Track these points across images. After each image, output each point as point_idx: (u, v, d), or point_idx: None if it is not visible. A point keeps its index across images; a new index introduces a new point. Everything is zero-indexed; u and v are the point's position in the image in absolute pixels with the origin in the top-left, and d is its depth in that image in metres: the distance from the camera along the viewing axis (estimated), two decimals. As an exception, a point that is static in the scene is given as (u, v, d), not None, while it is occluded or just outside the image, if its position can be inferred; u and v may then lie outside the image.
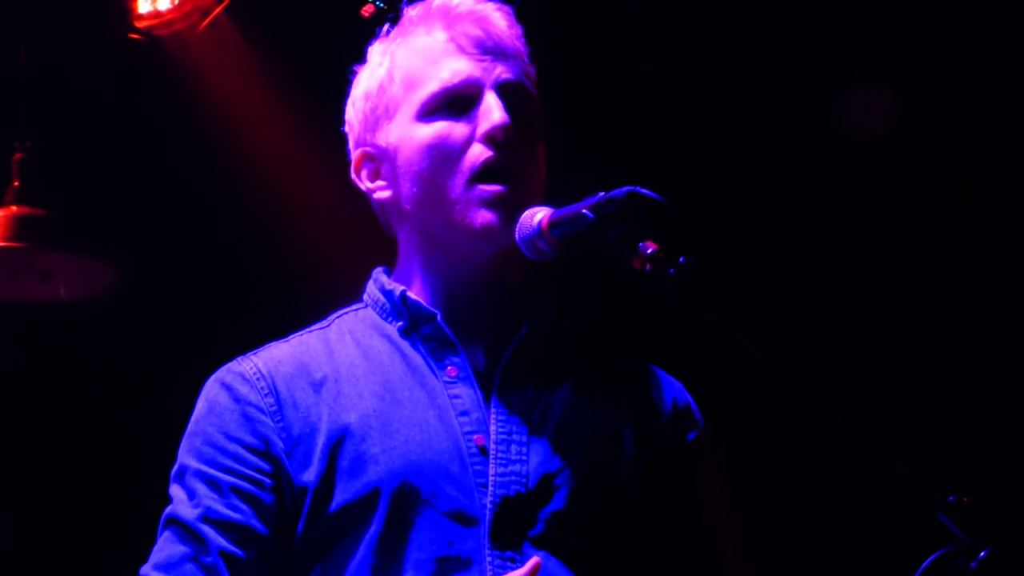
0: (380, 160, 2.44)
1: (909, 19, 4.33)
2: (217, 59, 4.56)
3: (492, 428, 2.33)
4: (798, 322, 4.39)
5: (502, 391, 2.36)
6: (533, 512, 2.29)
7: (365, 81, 2.46)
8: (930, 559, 2.00)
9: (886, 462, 2.03)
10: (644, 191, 2.18)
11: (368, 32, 2.51)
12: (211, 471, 2.35)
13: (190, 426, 2.42)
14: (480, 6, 2.42)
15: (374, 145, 2.44)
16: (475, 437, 2.32)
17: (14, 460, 5.10)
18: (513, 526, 2.28)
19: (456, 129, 2.36)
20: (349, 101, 2.50)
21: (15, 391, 5.08)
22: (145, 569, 2.35)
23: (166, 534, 2.36)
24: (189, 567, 2.30)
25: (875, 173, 4.51)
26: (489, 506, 2.28)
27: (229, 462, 2.34)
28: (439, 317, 2.38)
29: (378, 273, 2.49)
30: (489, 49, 2.39)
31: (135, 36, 4.55)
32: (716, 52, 4.49)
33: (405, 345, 2.41)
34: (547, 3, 2.54)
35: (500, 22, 2.41)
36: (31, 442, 5.12)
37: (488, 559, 2.26)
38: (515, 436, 2.33)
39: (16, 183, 4.54)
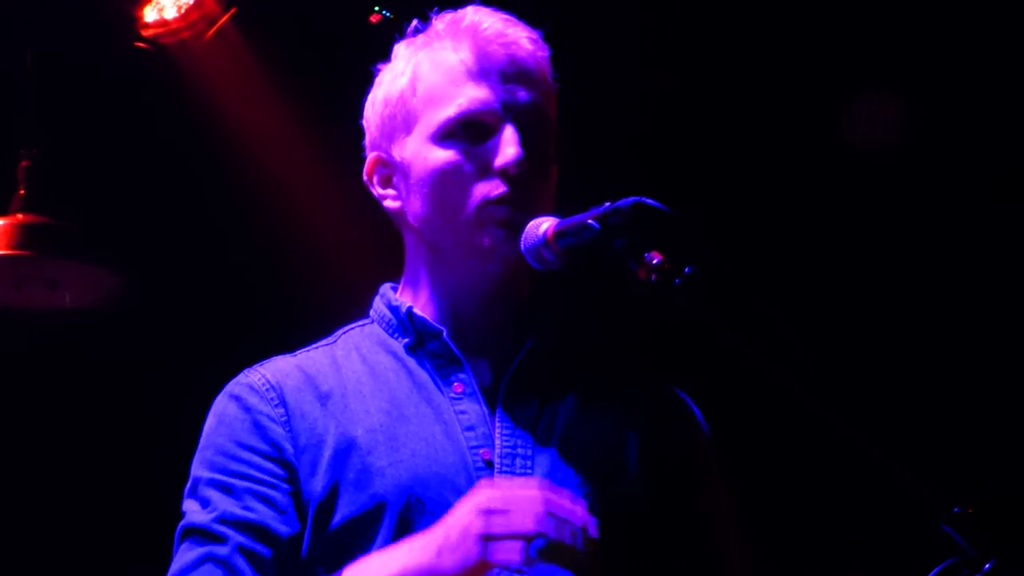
0: (392, 169, 2.43)
1: (915, 29, 4.33)
2: (223, 68, 4.56)
3: (497, 442, 2.33)
4: (803, 331, 4.39)
5: (507, 405, 2.36)
6: None
7: (386, 84, 2.44)
8: (935, 571, 2.00)
9: (891, 473, 2.03)
10: (650, 201, 2.18)
11: (374, 40, 2.50)
12: (224, 478, 2.33)
13: (201, 441, 2.41)
14: (509, 29, 2.39)
15: (388, 153, 2.43)
16: (481, 451, 2.32)
17: (18, 468, 5.10)
18: None
19: (471, 157, 2.35)
20: (369, 100, 2.48)
21: (19, 399, 5.08)
22: None
23: (183, 545, 2.34)
24: (206, 567, 2.28)
25: (881, 182, 4.51)
26: None
27: (243, 468, 2.33)
28: (445, 334, 2.38)
29: (385, 289, 2.49)
30: (511, 76, 2.37)
31: (141, 44, 4.55)
32: (723, 61, 4.50)
33: (411, 362, 2.41)
34: (555, 11, 2.53)
35: (526, 46, 2.39)
36: (35, 450, 5.13)
37: (496, 571, 2.23)
38: (520, 450, 2.34)
39: (22, 191, 4.54)
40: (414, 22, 2.45)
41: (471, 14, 2.40)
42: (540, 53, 2.41)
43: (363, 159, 2.49)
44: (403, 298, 2.45)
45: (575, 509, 2.10)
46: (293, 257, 4.80)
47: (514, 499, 2.09)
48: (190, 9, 4.51)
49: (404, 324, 2.42)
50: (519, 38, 2.39)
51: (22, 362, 5.05)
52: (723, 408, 2.68)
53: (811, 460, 4.29)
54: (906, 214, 4.50)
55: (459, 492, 2.26)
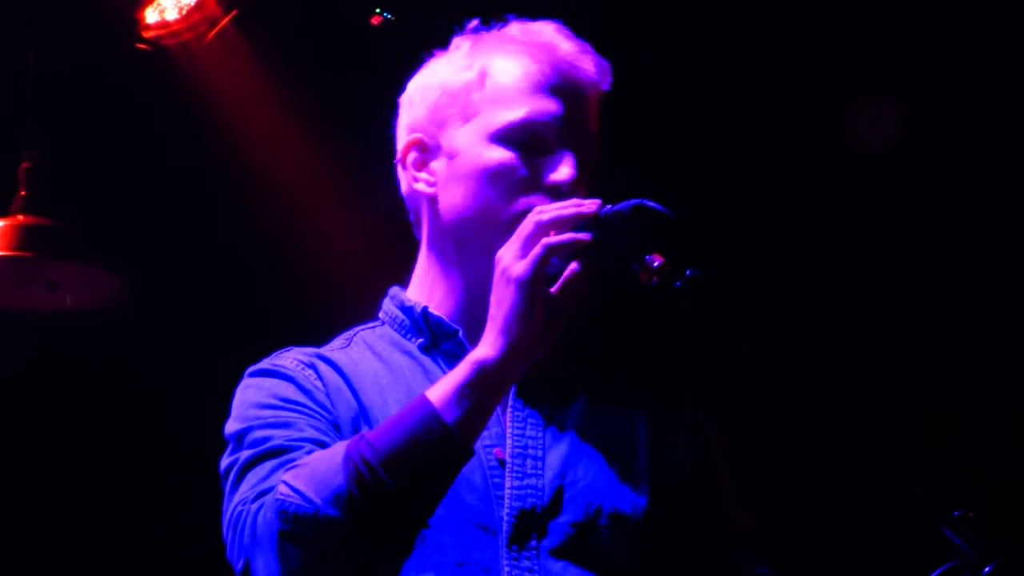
0: (434, 154, 2.43)
1: (915, 31, 4.33)
2: (225, 69, 4.57)
3: (508, 442, 2.35)
4: (805, 333, 4.39)
5: (519, 406, 2.38)
6: (549, 524, 2.31)
7: (445, 73, 2.44)
8: (936, 573, 2.00)
9: (892, 476, 2.03)
10: (651, 204, 2.20)
11: (375, 42, 2.50)
12: (280, 419, 2.29)
13: (236, 409, 2.36)
14: (584, 56, 2.42)
15: (434, 138, 2.43)
16: (495, 450, 2.34)
17: (17, 469, 5.10)
18: (530, 537, 2.29)
19: (524, 165, 2.36)
20: (418, 84, 2.48)
21: (19, 400, 5.08)
22: (237, 497, 2.25)
23: (249, 474, 2.25)
24: (289, 471, 2.19)
25: (882, 186, 4.51)
26: (506, 517, 2.29)
27: (296, 415, 2.30)
28: (461, 334, 2.40)
29: (395, 291, 2.49)
30: (578, 100, 2.40)
31: (142, 46, 4.55)
32: (723, 64, 4.50)
33: (426, 360, 2.41)
34: (559, 12, 2.54)
35: (596, 77, 2.42)
36: (35, 451, 5.13)
37: (507, 569, 2.27)
38: (531, 450, 2.35)
39: (23, 192, 4.54)
40: (475, 21, 2.47)
41: (549, 33, 2.43)
42: (604, 86, 2.43)
43: (390, 137, 2.49)
44: (414, 298, 2.46)
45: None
46: (295, 260, 4.80)
47: (511, 246, 2.19)
48: (191, 11, 4.51)
49: (419, 324, 2.43)
50: (591, 66, 2.42)
51: (22, 363, 5.05)
52: (725, 411, 2.68)
53: (812, 463, 4.29)
54: (907, 217, 4.50)
55: (473, 489, 2.29)
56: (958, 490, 2.11)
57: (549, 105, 2.37)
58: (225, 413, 2.39)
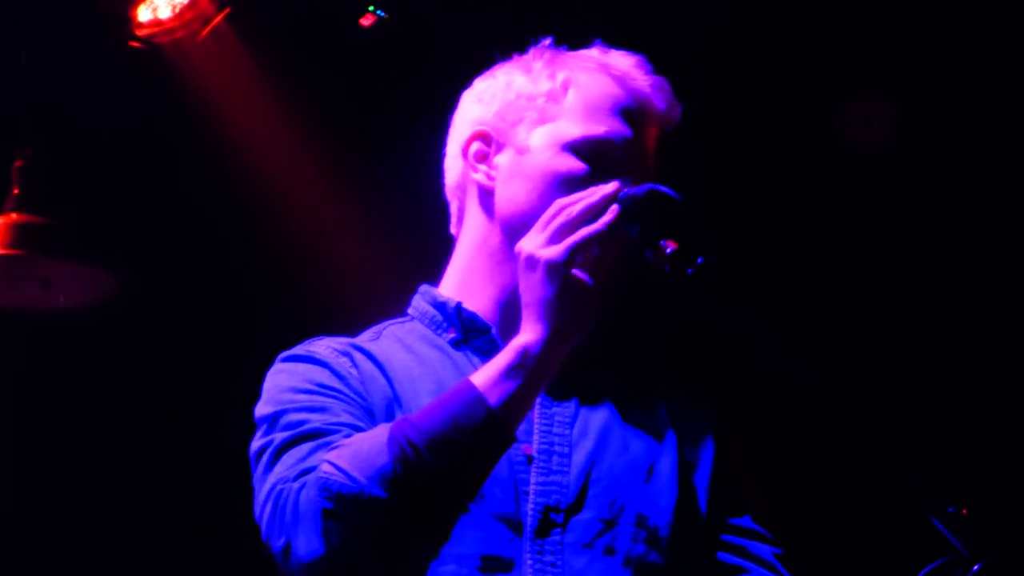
0: (500, 149, 2.48)
1: (910, 30, 4.34)
2: (218, 67, 4.56)
3: (535, 439, 2.38)
4: (800, 330, 4.39)
5: (547, 404, 2.42)
6: (573, 520, 2.34)
7: (523, 77, 2.50)
8: (925, 570, 2.00)
9: (887, 472, 2.03)
10: (664, 188, 2.26)
11: (368, 40, 2.51)
12: (316, 402, 2.32)
13: (266, 394, 2.39)
14: (660, 93, 2.50)
15: (503, 134, 2.48)
16: (522, 446, 2.36)
17: (10, 467, 5.10)
18: (554, 533, 2.32)
19: (592, 179, 2.40)
20: (490, 82, 2.53)
21: (12, 399, 5.08)
22: (274, 477, 2.26)
23: (284, 456, 2.27)
24: (329, 452, 2.21)
25: (876, 184, 4.51)
26: (531, 513, 2.32)
27: (331, 400, 2.32)
28: (493, 331, 2.43)
29: (426, 287, 2.53)
30: (648, 132, 2.48)
31: (136, 44, 4.55)
32: (717, 62, 4.50)
33: (458, 356, 2.45)
34: (549, 12, 2.55)
35: (666, 113, 2.50)
36: (27, 450, 5.12)
37: (529, 563, 2.30)
38: (557, 447, 2.38)
39: (16, 190, 4.54)
40: (548, 39, 2.54)
41: (631, 63, 2.51)
42: (669, 126, 2.52)
43: (442, 125, 2.54)
44: (447, 294, 2.49)
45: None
46: (290, 258, 4.80)
47: (540, 233, 2.26)
48: (184, 9, 4.50)
49: (451, 319, 2.47)
50: (664, 105, 2.51)
51: (15, 362, 5.05)
52: (726, 409, 2.70)
53: (809, 457, 4.29)
54: (903, 214, 4.50)
55: (500, 482, 2.32)
56: (952, 488, 2.11)
57: (625, 129, 2.45)
58: (220, 411, 2.40)
